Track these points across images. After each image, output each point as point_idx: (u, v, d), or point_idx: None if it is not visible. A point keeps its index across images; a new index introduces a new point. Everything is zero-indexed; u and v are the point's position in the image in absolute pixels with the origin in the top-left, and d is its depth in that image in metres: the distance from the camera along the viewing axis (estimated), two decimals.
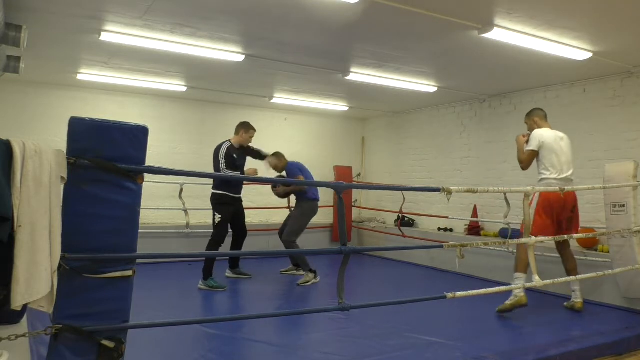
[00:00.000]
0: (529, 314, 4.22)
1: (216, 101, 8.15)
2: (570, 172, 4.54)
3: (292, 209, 6.34)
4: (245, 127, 5.62)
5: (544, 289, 4.60)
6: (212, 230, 5.38)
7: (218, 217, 5.41)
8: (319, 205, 6.09)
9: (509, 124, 6.91)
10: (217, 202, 5.46)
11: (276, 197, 6.40)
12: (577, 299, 4.51)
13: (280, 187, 6.00)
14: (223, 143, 5.53)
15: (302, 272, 5.99)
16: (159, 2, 3.89)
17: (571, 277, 4.27)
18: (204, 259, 5.54)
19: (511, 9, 3.83)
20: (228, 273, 5.94)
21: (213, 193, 5.52)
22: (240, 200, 5.66)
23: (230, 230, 5.60)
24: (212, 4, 3.94)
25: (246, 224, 5.80)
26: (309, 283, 5.67)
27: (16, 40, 4.05)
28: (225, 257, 6.26)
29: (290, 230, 5.86)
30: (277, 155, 5.99)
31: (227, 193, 5.46)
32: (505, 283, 4.82)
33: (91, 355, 2.02)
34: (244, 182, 6.01)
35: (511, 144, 6.80)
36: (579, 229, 4.70)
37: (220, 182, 5.48)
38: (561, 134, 4.64)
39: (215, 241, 5.35)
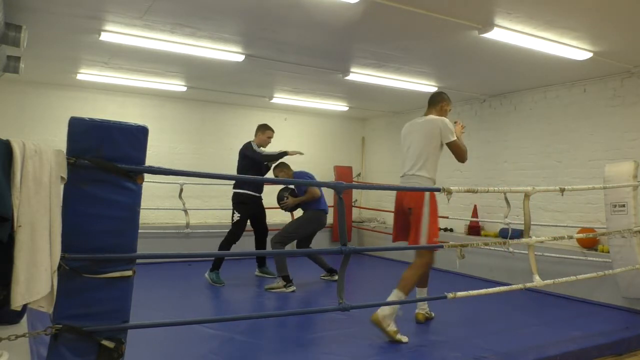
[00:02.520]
0: (529, 314, 4.22)
1: (216, 101, 8.15)
2: (410, 168, 4.01)
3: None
4: (263, 128, 5.75)
5: (544, 288, 4.58)
6: (212, 230, 5.43)
7: (237, 215, 5.53)
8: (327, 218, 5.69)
9: (509, 124, 6.92)
10: (236, 202, 5.59)
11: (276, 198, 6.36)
12: (419, 310, 4.09)
13: (290, 199, 5.60)
14: (249, 142, 5.64)
15: (336, 278, 5.86)
16: (159, 2, 3.89)
17: (571, 277, 4.19)
18: (204, 259, 5.56)
19: (511, 9, 3.83)
20: (257, 272, 6.00)
21: (234, 192, 5.62)
22: (260, 199, 5.72)
23: (252, 229, 5.76)
24: (212, 4, 3.94)
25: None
26: (276, 290, 5.18)
27: (16, 40, 4.06)
28: (226, 257, 6.25)
29: (283, 231, 5.39)
30: (281, 167, 5.61)
31: (247, 192, 5.54)
32: (505, 283, 4.82)
33: (91, 355, 2.01)
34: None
35: (511, 144, 6.85)
36: (418, 236, 4.04)
37: (243, 181, 5.58)
38: (420, 120, 4.00)
39: (231, 238, 5.47)
